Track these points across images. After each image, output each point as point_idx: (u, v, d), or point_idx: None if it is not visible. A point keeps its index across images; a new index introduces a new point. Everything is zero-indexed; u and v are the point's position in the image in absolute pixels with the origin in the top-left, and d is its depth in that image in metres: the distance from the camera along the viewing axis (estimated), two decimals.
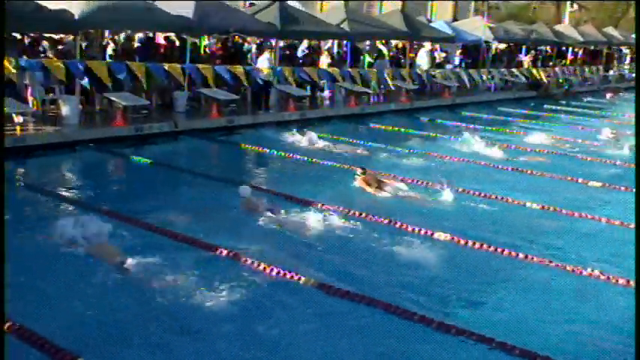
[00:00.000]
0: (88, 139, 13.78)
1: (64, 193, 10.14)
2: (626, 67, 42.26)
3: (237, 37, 20.48)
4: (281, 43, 20.51)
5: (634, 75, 40.09)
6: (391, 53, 26.60)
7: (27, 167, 11.91)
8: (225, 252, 7.75)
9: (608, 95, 32.77)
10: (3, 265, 4.16)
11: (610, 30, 40.39)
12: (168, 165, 12.66)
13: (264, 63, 18.94)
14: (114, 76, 15.19)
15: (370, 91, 22.25)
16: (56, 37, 17.47)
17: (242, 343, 5.90)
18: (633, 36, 42.90)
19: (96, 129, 14.58)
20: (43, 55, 15.97)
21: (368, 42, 25.47)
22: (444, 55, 28.61)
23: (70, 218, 8.10)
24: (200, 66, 17.10)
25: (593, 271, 7.67)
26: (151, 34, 19.78)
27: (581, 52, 36.15)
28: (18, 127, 13.05)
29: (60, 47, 16.98)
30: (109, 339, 5.85)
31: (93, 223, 7.90)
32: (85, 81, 15.08)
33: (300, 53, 22.96)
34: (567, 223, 10.06)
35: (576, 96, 31.02)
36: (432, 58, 26.57)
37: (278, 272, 7.23)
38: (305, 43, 23.79)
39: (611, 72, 38.87)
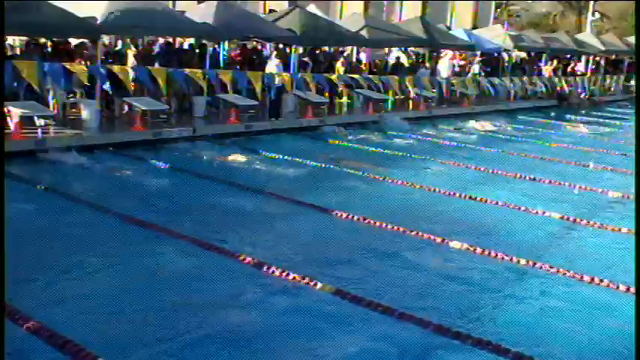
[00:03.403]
0: (108, 143, 13.89)
1: (80, 197, 10.20)
2: None
3: (255, 42, 20.56)
4: (300, 50, 20.53)
5: None
6: (411, 61, 26.60)
7: (46, 170, 12.01)
8: (242, 257, 7.78)
9: None
10: (3, 263, 4.17)
11: (632, 39, 40.02)
12: (186, 169, 12.73)
13: (273, 69, 18.98)
14: (135, 80, 15.38)
15: (388, 98, 22.23)
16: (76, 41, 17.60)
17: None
18: None
19: (115, 133, 14.70)
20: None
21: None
22: (462, 62, 28.57)
23: None
24: (220, 71, 17.20)
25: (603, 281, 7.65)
26: (170, 40, 19.91)
27: (602, 61, 35.92)
28: (39, 130, 13.19)
29: (85, 52, 17.15)
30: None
31: None
32: (107, 85, 15.20)
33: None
34: (587, 233, 10.03)
35: (598, 105, 30.81)
36: (452, 66, 26.57)
37: (293, 277, 7.25)
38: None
39: (632, 82, 38.51)
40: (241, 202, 10.70)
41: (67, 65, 14.29)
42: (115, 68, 15.02)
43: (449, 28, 30.85)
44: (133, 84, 15.47)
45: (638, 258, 5.60)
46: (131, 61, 18.01)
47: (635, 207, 9.98)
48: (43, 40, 17.03)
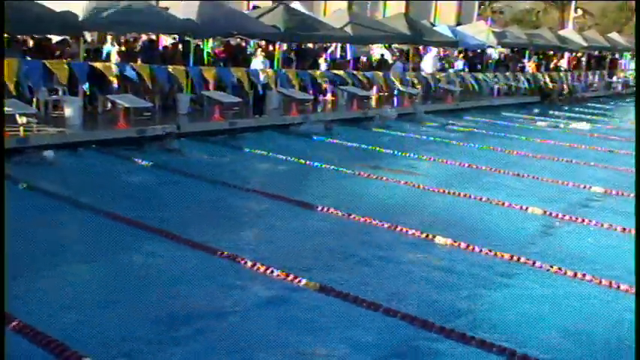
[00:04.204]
0: (91, 140, 13.81)
1: (64, 194, 10.13)
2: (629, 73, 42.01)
3: (239, 39, 20.53)
4: (284, 46, 20.53)
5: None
6: (394, 57, 26.64)
7: (29, 168, 11.92)
8: (223, 253, 7.77)
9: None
10: (3, 265, 4.14)
11: (614, 36, 40.32)
12: (170, 167, 12.70)
13: (258, 66, 18.95)
14: (119, 78, 15.32)
15: (372, 95, 22.26)
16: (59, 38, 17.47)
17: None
18: None
19: (98, 130, 14.61)
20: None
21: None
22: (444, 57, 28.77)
23: None
24: (203, 68, 17.15)
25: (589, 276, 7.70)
26: (154, 37, 19.82)
27: (584, 57, 36.15)
28: (21, 128, 13.08)
29: (68, 49, 17.02)
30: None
31: None
32: (86, 86, 15.09)
33: None
34: (570, 229, 10.08)
35: (580, 102, 30.99)
36: (440, 60, 26.74)
37: (277, 274, 7.24)
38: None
39: (614, 78, 38.79)
40: (225, 198, 10.71)
41: (48, 63, 14.17)
42: (98, 65, 14.93)
43: (433, 25, 30.90)
44: (117, 80, 15.40)
45: (638, 258, 5.59)
46: (115, 58, 17.91)
47: (635, 207, 10.02)
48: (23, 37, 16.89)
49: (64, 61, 14.81)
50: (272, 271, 7.27)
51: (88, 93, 15.44)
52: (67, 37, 16.93)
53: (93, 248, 8.08)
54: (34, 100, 14.56)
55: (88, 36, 19.38)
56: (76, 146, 13.35)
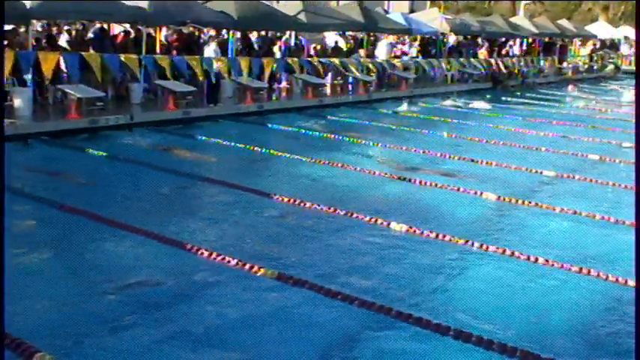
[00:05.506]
0: (42, 131, 13.55)
1: (15, 187, 9.93)
2: (578, 59, 42.69)
3: (192, 28, 20.32)
4: (237, 35, 20.40)
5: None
6: (348, 45, 26.66)
7: None
8: (179, 243, 7.72)
9: (570, 87, 33.54)
10: (3, 265, 4.04)
11: (564, 22, 40.97)
12: (123, 157, 12.54)
13: (210, 54, 18.81)
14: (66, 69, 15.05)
15: (327, 83, 22.28)
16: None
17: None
18: (587, 28, 43.62)
19: (50, 121, 14.34)
20: None
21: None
22: (401, 46, 28.84)
23: None
24: (157, 57, 16.95)
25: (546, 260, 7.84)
26: (105, 26, 19.48)
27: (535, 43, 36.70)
28: None
29: (17, 37, 16.63)
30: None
31: None
32: (29, 77, 14.73)
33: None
34: (523, 213, 10.24)
35: (532, 87, 31.45)
36: (393, 46, 26.88)
37: (235, 262, 7.22)
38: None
39: (564, 64, 39.43)
40: (180, 188, 10.64)
41: None
42: (43, 56, 14.56)
43: (386, 12, 31.00)
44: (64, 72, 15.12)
45: (638, 256, 5.68)
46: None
47: (635, 205, 10.19)
48: None
49: (11, 51, 14.47)
50: (228, 261, 7.24)
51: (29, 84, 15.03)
52: (15, 27, 16.57)
53: (42, 239, 7.96)
54: None
55: (38, 24, 19.00)
56: (26, 138, 13.09)
